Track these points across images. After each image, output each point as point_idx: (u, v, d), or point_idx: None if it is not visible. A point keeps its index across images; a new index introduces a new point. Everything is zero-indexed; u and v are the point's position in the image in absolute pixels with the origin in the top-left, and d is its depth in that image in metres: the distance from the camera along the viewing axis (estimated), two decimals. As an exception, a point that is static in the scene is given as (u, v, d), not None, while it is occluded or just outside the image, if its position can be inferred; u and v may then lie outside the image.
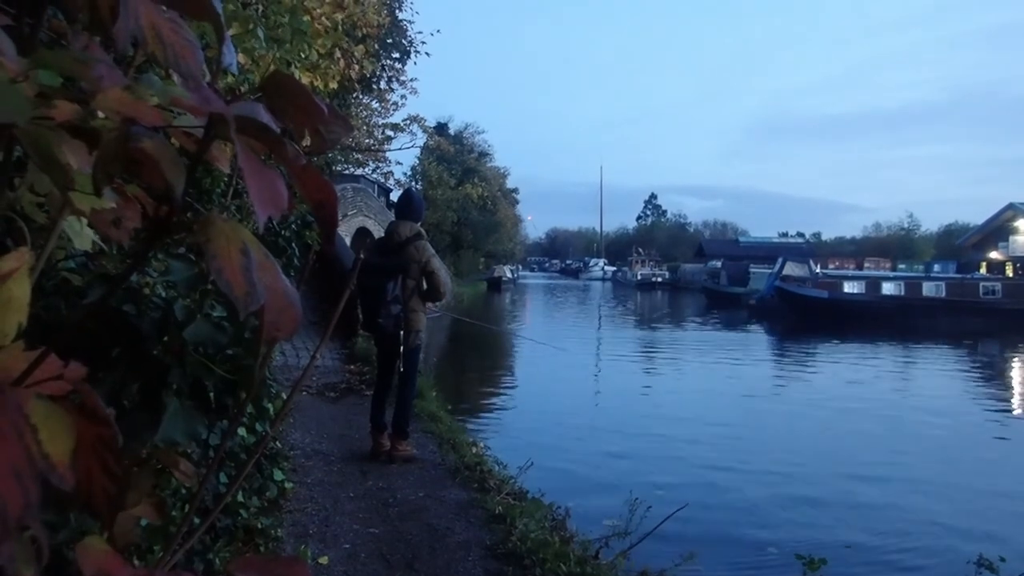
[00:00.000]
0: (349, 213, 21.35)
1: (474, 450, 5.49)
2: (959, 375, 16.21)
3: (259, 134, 0.50)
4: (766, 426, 10.15)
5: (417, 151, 31.65)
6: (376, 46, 11.19)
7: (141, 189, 0.67)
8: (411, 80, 17.20)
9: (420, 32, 16.92)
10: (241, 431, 2.62)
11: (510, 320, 28.64)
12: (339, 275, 8.79)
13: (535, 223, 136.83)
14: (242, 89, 3.15)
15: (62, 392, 0.49)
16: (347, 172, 20.87)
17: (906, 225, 78.75)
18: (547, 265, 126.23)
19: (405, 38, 16.68)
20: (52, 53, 0.51)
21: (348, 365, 8.82)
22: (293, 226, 4.47)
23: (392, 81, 16.92)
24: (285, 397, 3.05)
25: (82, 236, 0.77)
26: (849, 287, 30.93)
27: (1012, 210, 45.19)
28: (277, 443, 4.25)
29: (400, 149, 18.80)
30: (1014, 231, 43.86)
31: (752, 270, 44.01)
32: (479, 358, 16.44)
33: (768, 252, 55.56)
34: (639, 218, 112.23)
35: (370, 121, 17.96)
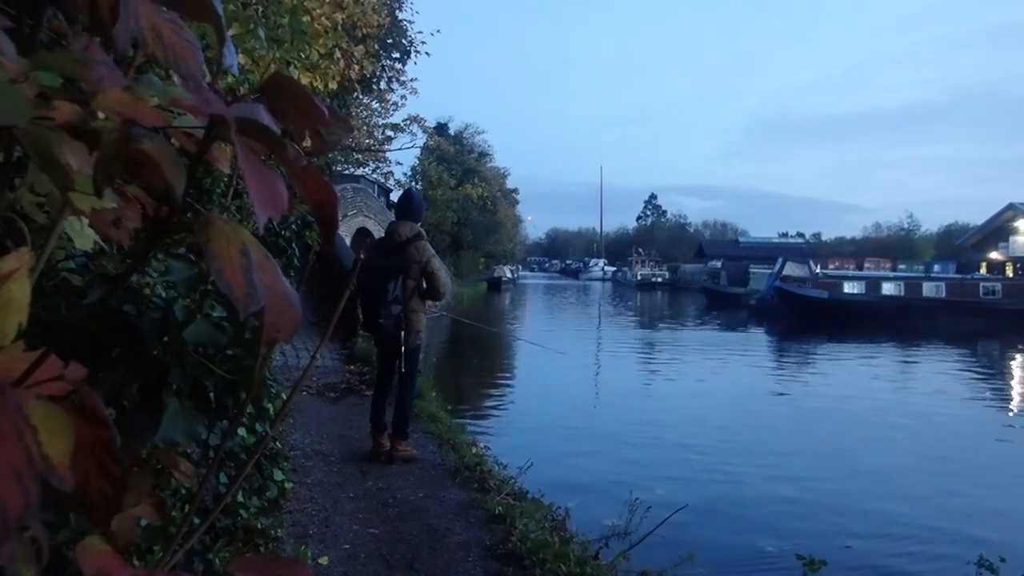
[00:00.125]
0: (349, 213, 21.35)
1: (474, 450, 5.49)
2: (959, 376, 16.20)
3: (259, 135, 0.50)
4: (766, 427, 10.15)
5: (417, 151, 31.69)
6: (376, 46, 11.20)
7: (141, 190, 0.67)
8: (411, 80, 17.21)
9: (420, 32, 16.93)
10: (241, 431, 2.62)
11: (510, 321, 28.64)
12: (339, 275, 8.79)
13: (535, 223, 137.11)
14: (242, 89, 3.15)
15: (62, 393, 0.49)
16: (347, 172, 20.87)
17: (906, 225, 78.86)
18: (547, 265, 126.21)
19: (405, 38, 16.68)
20: (52, 54, 0.51)
21: (348, 365, 8.82)
22: (293, 227, 4.47)
23: (392, 81, 16.93)
24: (285, 397, 3.05)
25: (82, 236, 0.77)
26: (849, 287, 30.93)
27: (1012, 210, 45.19)
28: (277, 443, 4.26)
29: (400, 149, 18.80)
30: (1014, 231, 43.86)
31: (752, 270, 44.00)
32: (479, 358, 16.44)
33: (768, 252, 55.56)
34: (639, 218, 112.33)
35: (370, 121, 17.95)
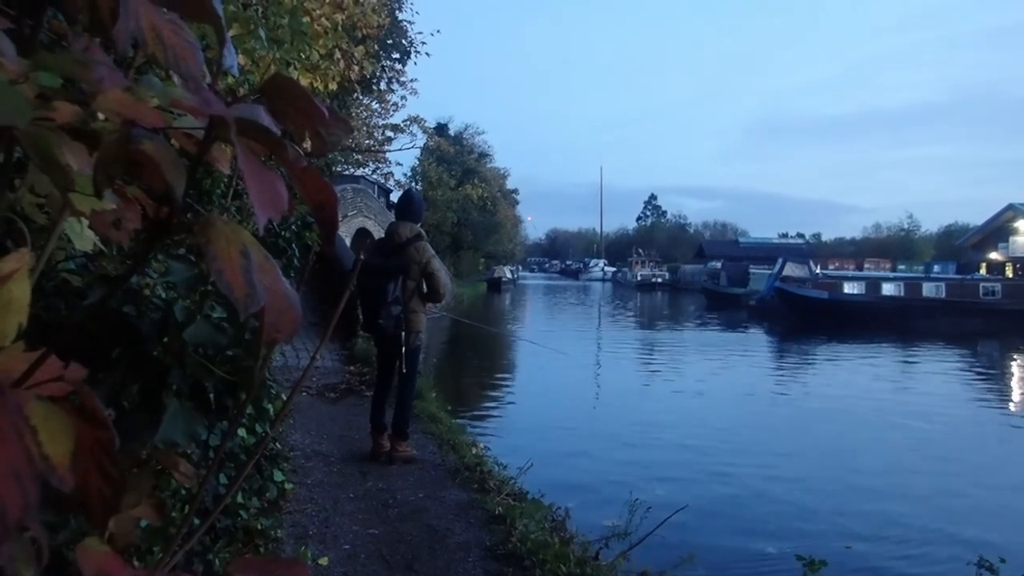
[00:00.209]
0: (349, 214, 21.35)
1: (474, 451, 5.49)
2: (959, 376, 16.20)
3: (259, 136, 0.50)
4: (766, 428, 10.15)
5: (417, 152, 31.64)
6: (376, 47, 11.20)
7: (141, 190, 0.67)
8: (411, 81, 17.21)
9: (420, 32, 16.93)
10: (241, 432, 2.62)
11: (510, 321, 28.64)
12: (339, 276, 8.79)
13: (535, 224, 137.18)
14: (242, 90, 3.15)
15: (62, 393, 0.49)
16: (347, 173, 20.88)
17: (906, 226, 78.83)
18: (547, 266, 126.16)
19: (405, 39, 16.68)
20: (52, 55, 0.51)
21: (348, 366, 8.83)
22: (293, 227, 4.47)
23: (392, 82, 16.93)
24: (285, 398, 3.05)
25: (82, 237, 0.77)
26: (849, 288, 30.92)
27: (1012, 211, 45.20)
28: (277, 444, 4.25)
29: (400, 150, 18.78)
30: (1014, 232, 43.87)
31: (752, 271, 43.98)
32: (479, 359, 16.44)
33: (768, 253, 55.55)
34: (639, 219, 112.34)
35: (370, 122, 17.96)
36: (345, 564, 3.46)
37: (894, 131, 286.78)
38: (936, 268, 47.01)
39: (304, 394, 7.00)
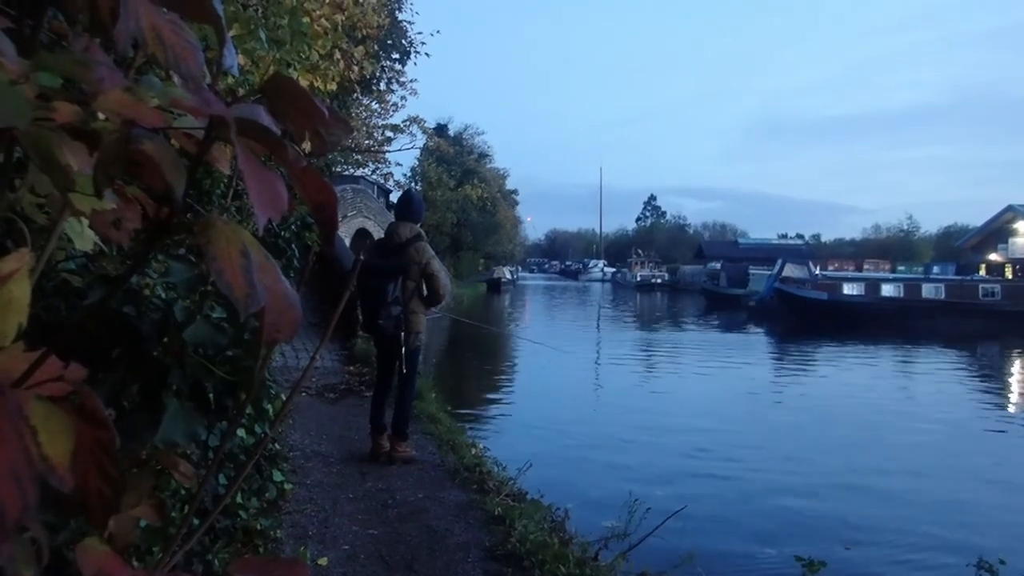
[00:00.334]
0: (349, 214, 21.36)
1: (473, 451, 5.49)
2: (959, 377, 16.21)
3: (259, 136, 0.50)
4: (765, 429, 10.15)
5: (417, 152, 31.65)
6: (376, 47, 11.20)
7: (141, 191, 0.67)
8: (411, 81, 17.20)
9: (420, 33, 16.93)
10: (240, 432, 2.62)
11: (510, 321, 28.64)
12: (339, 276, 8.79)
13: (535, 224, 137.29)
14: (242, 90, 3.15)
15: (62, 393, 0.49)
16: (347, 173, 20.87)
17: (905, 227, 78.75)
18: (547, 266, 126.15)
19: (405, 39, 16.68)
20: (53, 55, 0.51)
21: (348, 366, 8.82)
22: (293, 227, 4.47)
23: (392, 82, 16.93)
24: (285, 398, 3.05)
25: (83, 237, 0.77)
26: (848, 289, 30.93)
27: (1011, 212, 45.22)
28: (276, 444, 4.25)
29: (400, 150, 18.74)
30: (1013, 233, 43.89)
31: (751, 272, 43.99)
32: (479, 359, 16.44)
33: (767, 254, 55.53)
34: (638, 219, 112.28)
35: (370, 122, 17.94)
36: (344, 564, 3.46)
37: (894, 131, 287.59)
38: (936, 269, 47.01)
39: (304, 394, 7.00)
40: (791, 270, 34.00)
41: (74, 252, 0.99)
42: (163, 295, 1.04)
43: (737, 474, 7.60)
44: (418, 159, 37.53)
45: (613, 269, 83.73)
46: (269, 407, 2.54)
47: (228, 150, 0.55)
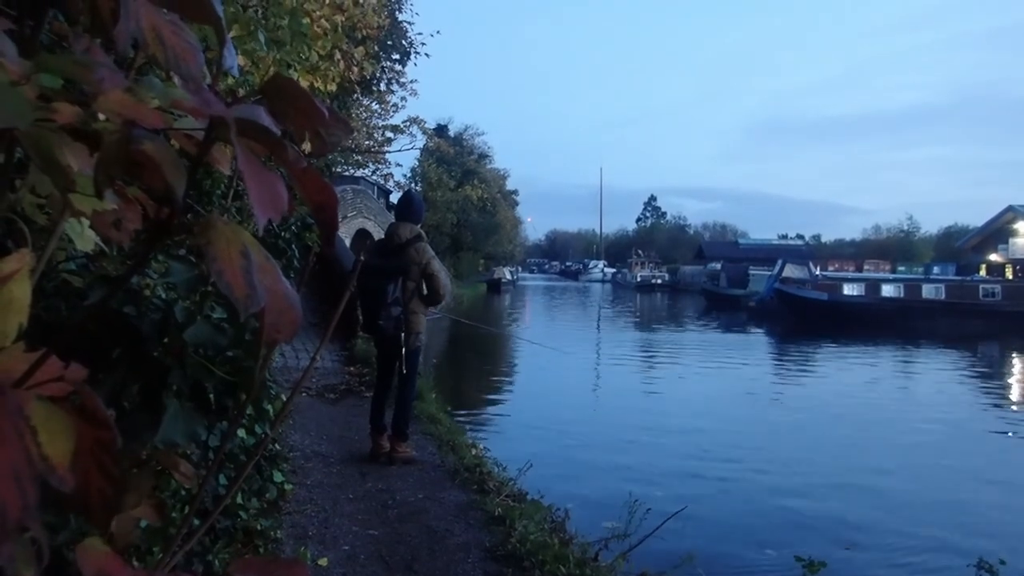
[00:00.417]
0: (349, 215, 21.35)
1: (473, 452, 5.49)
2: (959, 378, 16.20)
3: (260, 137, 0.50)
4: (765, 429, 10.14)
5: (417, 153, 31.66)
6: (376, 48, 11.20)
7: (142, 191, 0.67)
8: (411, 82, 17.20)
9: (420, 33, 16.93)
10: (241, 433, 2.62)
11: (510, 322, 28.63)
12: (339, 277, 8.79)
13: (535, 225, 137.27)
14: (242, 91, 3.15)
15: (63, 393, 0.49)
16: (347, 174, 20.87)
17: (906, 227, 78.78)
18: (547, 267, 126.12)
19: (405, 39, 16.68)
20: (53, 56, 0.51)
21: (348, 367, 8.82)
22: (293, 228, 4.47)
23: (392, 83, 16.93)
24: (285, 399, 3.05)
25: (83, 238, 0.77)
26: (849, 289, 30.93)
27: (1012, 212, 45.23)
28: (276, 445, 4.25)
29: (400, 151, 18.72)
30: (1014, 233, 43.88)
31: (752, 272, 43.98)
32: (479, 360, 16.43)
33: (768, 254, 55.51)
34: (639, 220, 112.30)
35: (370, 123, 17.94)
36: (344, 565, 3.46)
37: (894, 132, 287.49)
38: (936, 270, 47.04)
39: (304, 395, 7.00)
40: (791, 270, 34.00)
41: (75, 252, 0.99)
42: (163, 295, 1.04)
43: (737, 475, 7.60)
44: (418, 160, 37.56)
45: (613, 270, 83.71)
46: (269, 407, 2.55)
47: (228, 151, 0.55)
